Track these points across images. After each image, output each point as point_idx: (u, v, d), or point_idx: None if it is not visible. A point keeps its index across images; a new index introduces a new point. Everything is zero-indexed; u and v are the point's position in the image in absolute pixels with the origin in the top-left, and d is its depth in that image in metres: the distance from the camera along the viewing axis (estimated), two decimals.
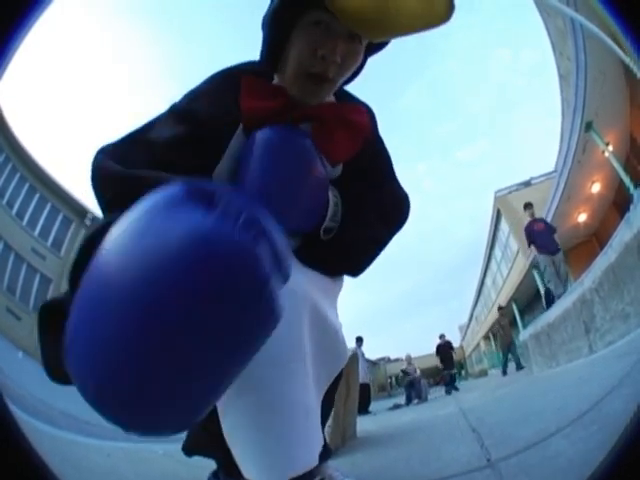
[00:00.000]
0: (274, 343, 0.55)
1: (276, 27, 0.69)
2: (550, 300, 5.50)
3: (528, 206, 6.41)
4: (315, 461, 0.67)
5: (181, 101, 0.78)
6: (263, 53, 0.76)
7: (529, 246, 6.19)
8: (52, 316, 0.59)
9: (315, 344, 0.73)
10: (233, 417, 0.64)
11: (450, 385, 9.44)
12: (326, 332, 0.77)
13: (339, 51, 0.66)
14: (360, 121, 0.82)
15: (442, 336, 10.44)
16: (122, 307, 0.33)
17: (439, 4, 0.61)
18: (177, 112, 0.75)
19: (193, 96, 0.77)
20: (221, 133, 0.74)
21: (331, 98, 0.83)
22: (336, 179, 0.85)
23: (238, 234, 0.34)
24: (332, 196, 0.80)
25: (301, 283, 0.71)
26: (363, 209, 0.85)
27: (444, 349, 10.23)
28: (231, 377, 0.42)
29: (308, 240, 0.81)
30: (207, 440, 0.80)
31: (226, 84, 0.76)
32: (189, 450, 0.96)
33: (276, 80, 0.79)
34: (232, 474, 0.71)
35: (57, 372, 0.58)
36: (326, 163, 0.77)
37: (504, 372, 9.00)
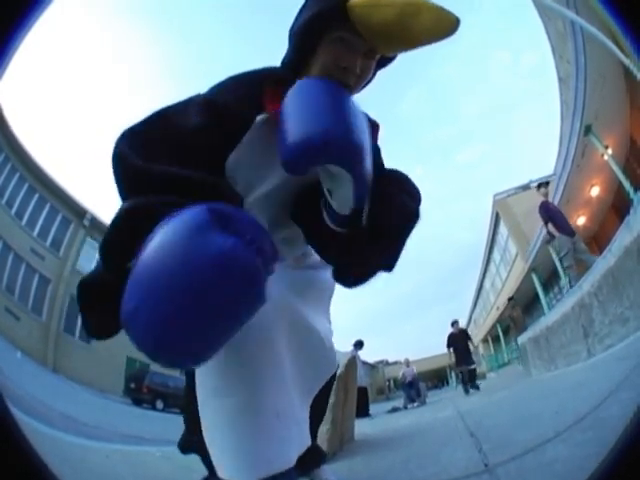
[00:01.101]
0: (245, 349, 0.69)
1: (306, 39, 0.77)
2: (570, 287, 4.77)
3: (543, 185, 5.88)
4: (288, 463, 0.70)
5: (206, 93, 0.81)
6: (290, 58, 0.83)
7: (545, 224, 5.47)
8: (90, 286, 0.68)
9: (297, 352, 0.80)
10: (207, 418, 0.71)
11: (470, 384, 7.39)
12: (310, 341, 0.85)
13: (359, 64, 0.76)
14: (370, 120, 0.86)
15: (455, 323, 8.08)
16: (173, 291, 0.47)
17: (447, 19, 0.67)
18: (201, 101, 0.77)
19: (217, 89, 0.81)
20: (240, 124, 0.76)
21: None
22: None
23: (244, 252, 0.50)
24: None
25: (283, 295, 0.80)
26: (391, 186, 0.82)
27: (458, 339, 7.87)
28: (230, 333, 0.55)
29: (337, 239, 0.79)
30: (197, 439, 0.83)
31: (249, 84, 0.80)
32: (183, 448, 1.06)
33: None
34: (216, 473, 0.74)
35: (98, 329, 0.69)
36: None
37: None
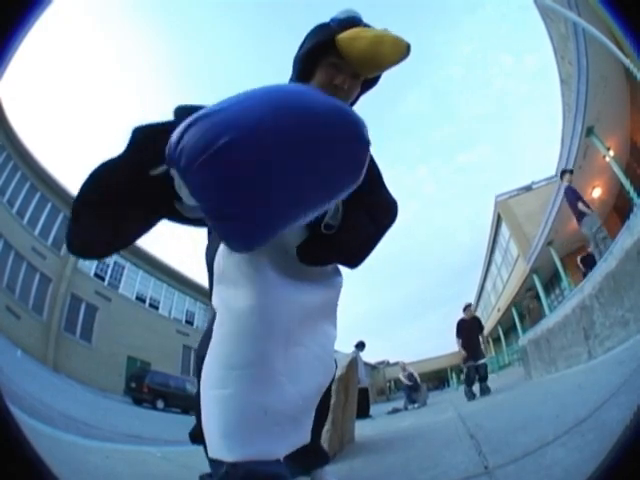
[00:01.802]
0: (237, 352, 0.82)
1: (306, 64, 1.02)
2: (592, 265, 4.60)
3: (568, 172, 6.23)
4: (270, 455, 0.79)
5: None
6: (294, 80, 1.06)
7: (575, 206, 5.67)
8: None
9: (297, 355, 0.90)
10: (205, 405, 0.83)
11: (479, 383, 5.99)
12: (309, 348, 0.94)
13: (347, 83, 1.00)
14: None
15: (468, 307, 6.61)
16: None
17: (401, 45, 0.92)
18: None
19: None
20: None
21: None
22: None
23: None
24: None
25: (287, 298, 0.89)
26: (359, 212, 1.05)
27: (468, 328, 6.39)
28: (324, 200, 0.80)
29: (313, 237, 1.01)
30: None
31: None
32: (193, 437, 1.17)
33: None
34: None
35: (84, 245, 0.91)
36: None
37: None
